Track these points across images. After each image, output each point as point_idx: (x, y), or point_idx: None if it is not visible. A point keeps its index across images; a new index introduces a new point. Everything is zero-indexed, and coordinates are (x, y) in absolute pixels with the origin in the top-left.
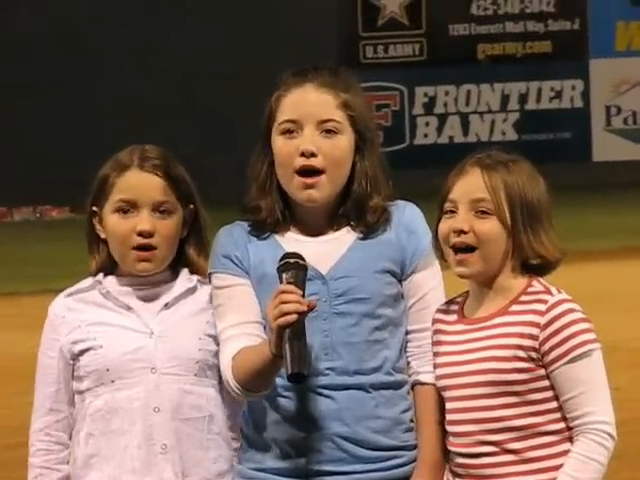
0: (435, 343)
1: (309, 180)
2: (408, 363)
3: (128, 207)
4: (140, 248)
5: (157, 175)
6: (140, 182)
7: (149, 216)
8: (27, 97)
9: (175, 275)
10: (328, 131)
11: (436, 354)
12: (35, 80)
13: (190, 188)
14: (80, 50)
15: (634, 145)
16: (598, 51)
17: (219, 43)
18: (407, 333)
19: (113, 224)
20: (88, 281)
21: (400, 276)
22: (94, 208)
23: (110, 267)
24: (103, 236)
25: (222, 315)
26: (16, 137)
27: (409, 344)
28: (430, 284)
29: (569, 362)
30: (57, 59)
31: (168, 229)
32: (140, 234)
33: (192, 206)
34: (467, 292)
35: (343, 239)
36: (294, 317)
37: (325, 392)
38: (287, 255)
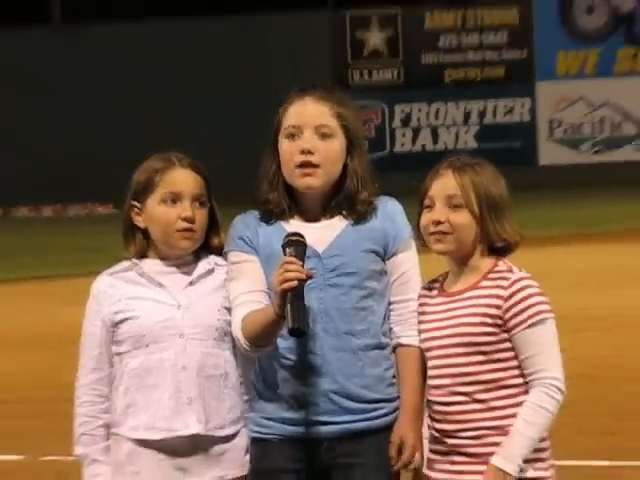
0: (420, 313)
1: (307, 170)
2: (391, 329)
3: (174, 198)
4: (186, 231)
5: (195, 172)
6: (183, 177)
7: (191, 205)
8: (84, 112)
9: (197, 259)
10: (323, 135)
11: (421, 322)
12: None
13: (210, 187)
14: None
15: (572, 151)
16: (542, 75)
17: (237, 73)
18: (390, 304)
19: (160, 212)
20: (125, 263)
21: (383, 256)
22: (134, 203)
23: (144, 252)
24: (141, 226)
25: (235, 285)
26: (69, 145)
27: (392, 313)
28: (408, 264)
29: (527, 328)
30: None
31: (203, 217)
32: (185, 219)
33: (212, 202)
34: (446, 273)
35: (336, 225)
36: (295, 283)
37: (320, 354)
38: (290, 234)
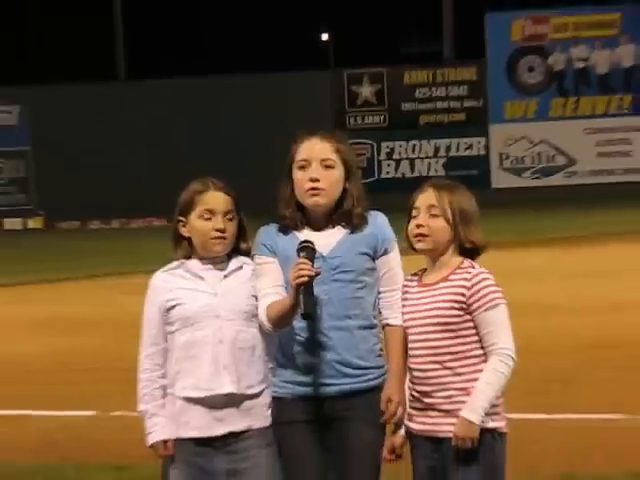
0: (403, 299)
1: (314, 193)
2: (380, 312)
3: (209, 214)
4: (219, 238)
5: (225, 194)
6: (216, 198)
7: (222, 220)
8: (143, 147)
9: (229, 259)
10: (327, 166)
11: (403, 306)
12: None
13: (239, 204)
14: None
15: (516, 178)
16: (494, 119)
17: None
18: (379, 293)
19: (199, 225)
20: (175, 263)
21: (374, 256)
22: (180, 218)
23: (188, 254)
24: (186, 235)
25: (260, 280)
26: (132, 172)
27: (381, 300)
28: (394, 262)
29: (484, 311)
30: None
31: (233, 228)
32: (217, 230)
33: (240, 216)
34: (424, 269)
35: (337, 233)
36: (306, 279)
37: (325, 332)
38: (304, 241)
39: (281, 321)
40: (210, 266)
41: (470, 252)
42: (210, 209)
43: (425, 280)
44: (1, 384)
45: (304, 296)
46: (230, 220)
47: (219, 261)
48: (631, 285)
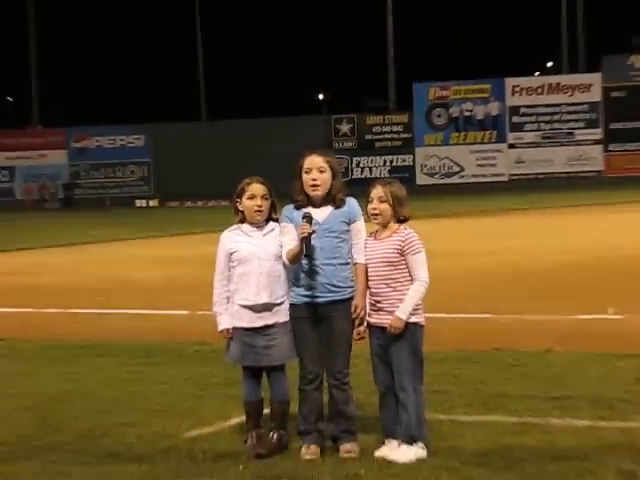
0: (365, 247)
1: (315, 187)
2: (352, 255)
3: (252, 197)
4: (258, 212)
5: (262, 184)
6: (257, 187)
7: (261, 200)
8: (221, 171)
9: (266, 224)
10: (321, 171)
11: (365, 251)
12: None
13: (272, 191)
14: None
15: (431, 178)
16: (418, 144)
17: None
18: (352, 244)
19: (247, 203)
20: (235, 226)
21: (349, 223)
22: (237, 199)
23: (242, 221)
24: (240, 209)
25: (284, 237)
26: (212, 184)
27: (353, 248)
28: (360, 227)
29: (411, 255)
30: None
31: (267, 206)
32: (257, 206)
33: (273, 198)
34: (376, 230)
35: (327, 210)
36: (307, 234)
37: (319, 266)
38: (305, 213)
39: (294, 259)
40: (255, 228)
41: (403, 221)
42: (253, 194)
43: (378, 237)
44: (129, 295)
45: (306, 244)
46: (265, 200)
47: (260, 225)
48: (496, 241)
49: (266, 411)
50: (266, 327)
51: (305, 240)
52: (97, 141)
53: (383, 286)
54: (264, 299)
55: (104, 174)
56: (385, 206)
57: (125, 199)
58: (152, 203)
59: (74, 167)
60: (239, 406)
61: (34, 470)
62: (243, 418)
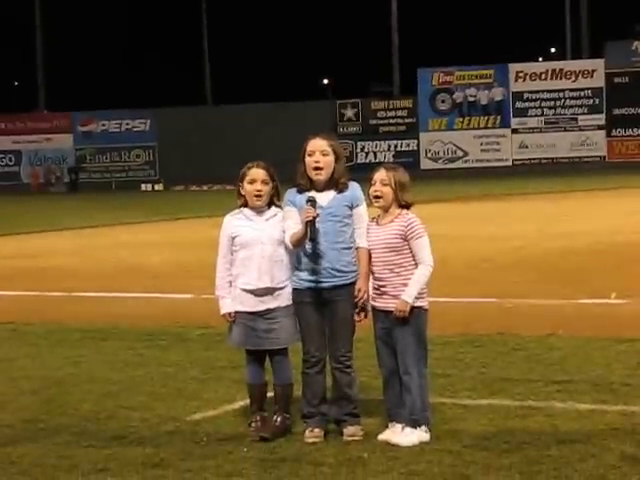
0: (368, 232)
1: (317, 170)
2: (354, 240)
3: (252, 181)
4: (257, 196)
5: (263, 169)
6: (257, 172)
7: (260, 184)
8: (224, 154)
9: (269, 208)
10: (324, 154)
11: (368, 236)
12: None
13: (275, 176)
14: None
15: (435, 163)
16: (422, 129)
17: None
18: (354, 228)
19: (247, 188)
20: (237, 210)
21: (351, 207)
22: (239, 183)
23: (245, 205)
24: (242, 193)
25: (287, 221)
26: (217, 166)
27: (355, 232)
28: (362, 211)
29: (415, 239)
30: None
31: (267, 190)
32: (257, 191)
33: (275, 182)
34: (378, 215)
35: (330, 194)
36: (311, 218)
37: (323, 250)
38: (310, 197)
39: (297, 243)
40: (257, 213)
41: (405, 207)
42: (253, 178)
43: (380, 222)
44: (134, 279)
45: (310, 228)
46: (266, 185)
47: (262, 210)
48: (499, 225)
49: (270, 394)
50: (268, 311)
51: (310, 224)
52: (103, 125)
53: (387, 271)
54: (266, 283)
55: (110, 158)
56: (387, 189)
57: (130, 183)
58: (157, 187)
59: (80, 151)
60: (243, 389)
61: (39, 453)
62: (247, 401)
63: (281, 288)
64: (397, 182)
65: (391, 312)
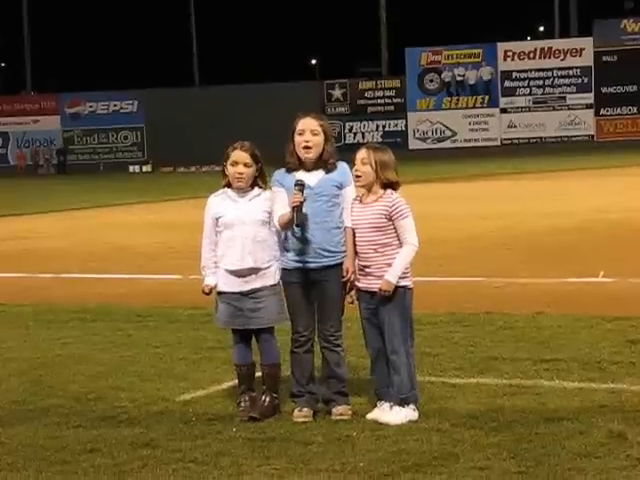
0: (352, 212)
1: (307, 149)
2: (342, 219)
3: (234, 163)
4: (238, 179)
5: (245, 151)
6: (239, 154)
7: (242, 167)
8: (213, 136)
9: (252, 189)
10: (314, 134)
11: (352, 215)
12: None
13: (259, 158)
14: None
15: (423, 143)
16: (410, 109)
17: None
18: (342, 208)
19: (229, 170)
20: (221, 190)
21: (340, 187)
22: (224, 164)
23: (229, 185)
24: (226, 173)
25: (275, 202)
26: (203, 148)
27: (342, 212)
28: (350, 191)
29: (399, 220)
30: None
31: (249, 172)
32: (239, 173)
33: (260, 164)
34: (362, 194)
35: (319, 173)
36: (298, 202)
37: (311, 231)
38: (298, 181)
39: (285, 226)
40: (240, 193)
41: (389, 186)
42: (235, 160)
43: (364, 201)
44: (123, 260)
45: (296, 214)
46: (248, 167)
47: (245, 191)
48: (487, 205)
49: (259, 374)
50: (253, 290)
51: (296, 209)
52: (90, 107)
53: (371, 251)
54: (249, 264)
55: (97, 140)
56: (367, 168)
57: (118, 165)
58: (145, 168)
59: (67, 133)
60: (232, 370)
61: (28, 434)
62: (236, 381)
63: (266, 268)
64: (377, 161)
65: (376, 293)
